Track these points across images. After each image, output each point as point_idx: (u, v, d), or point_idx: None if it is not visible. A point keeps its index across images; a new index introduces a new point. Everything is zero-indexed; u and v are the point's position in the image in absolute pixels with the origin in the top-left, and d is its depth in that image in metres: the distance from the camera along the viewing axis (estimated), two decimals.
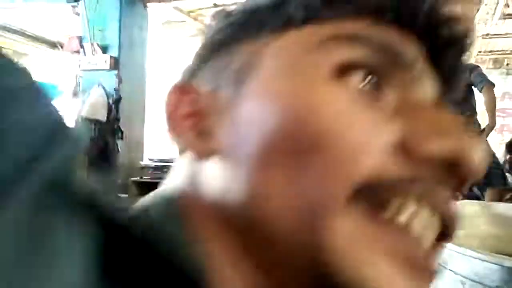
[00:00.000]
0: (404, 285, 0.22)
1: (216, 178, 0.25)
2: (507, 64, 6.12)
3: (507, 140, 3.84)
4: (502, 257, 0.62)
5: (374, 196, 0.22)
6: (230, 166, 0.25)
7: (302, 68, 0.24)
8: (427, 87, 0.25)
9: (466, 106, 2.49)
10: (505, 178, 2.83)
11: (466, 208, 1.08)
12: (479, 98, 2.68)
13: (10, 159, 0.16)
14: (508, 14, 4.20)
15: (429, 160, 0.22)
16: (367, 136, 0.22)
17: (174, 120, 0.27)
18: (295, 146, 0.23)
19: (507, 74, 6.15)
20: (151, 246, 0.22)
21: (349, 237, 0.22)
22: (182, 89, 0.28)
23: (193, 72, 0.30)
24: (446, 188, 0.23)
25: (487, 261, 0.63)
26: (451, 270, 0.67)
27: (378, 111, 0.23)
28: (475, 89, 2.64)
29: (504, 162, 3.39)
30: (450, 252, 0.67)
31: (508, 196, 2.70)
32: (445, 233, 0.24)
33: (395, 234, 0.22)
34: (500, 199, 2.53)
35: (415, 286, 0.22)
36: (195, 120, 0.27)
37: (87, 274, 0.18)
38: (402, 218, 0.22)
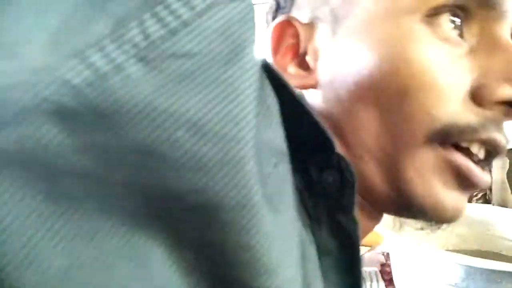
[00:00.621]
0: (455, 198, 0.27)
1: (315, 105, 0.29)
2: None
3: None
4: (460, 256, 0.65)
5: (445, 137, 0.26)
6: (327, 98, 0.28)
7: (398, 12, 0.26)
8: (509, 26, 0.27)
9: None
10: None
11: None
12: None
13: None
14: None
15: (498, 103, 0.26)
16: (451, 86, 0.25)
17: (278, 53, 0.30)
18: (387, 88, 0.26)
19: None
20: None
21: (420, 169, 0.26)
22: (286, 23, 0.30)
23: (291, 2, 0.32)
24: (502, 131, 0.27)
25: (447, 259, 0.66)
26: (414, 268, 0.70)
27: (461, 59, 0.26)
28: None
29: None
30: (412, 251, 0.70)
31: (479, 196, 2.76)
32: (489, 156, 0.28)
33: (456, 154, 0.27)
34: (469, 200, 2.59)
35: (462, 198, 0.28)
36: (296, 53, 0.30)
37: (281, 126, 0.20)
38: (464, 146, 0.27)
